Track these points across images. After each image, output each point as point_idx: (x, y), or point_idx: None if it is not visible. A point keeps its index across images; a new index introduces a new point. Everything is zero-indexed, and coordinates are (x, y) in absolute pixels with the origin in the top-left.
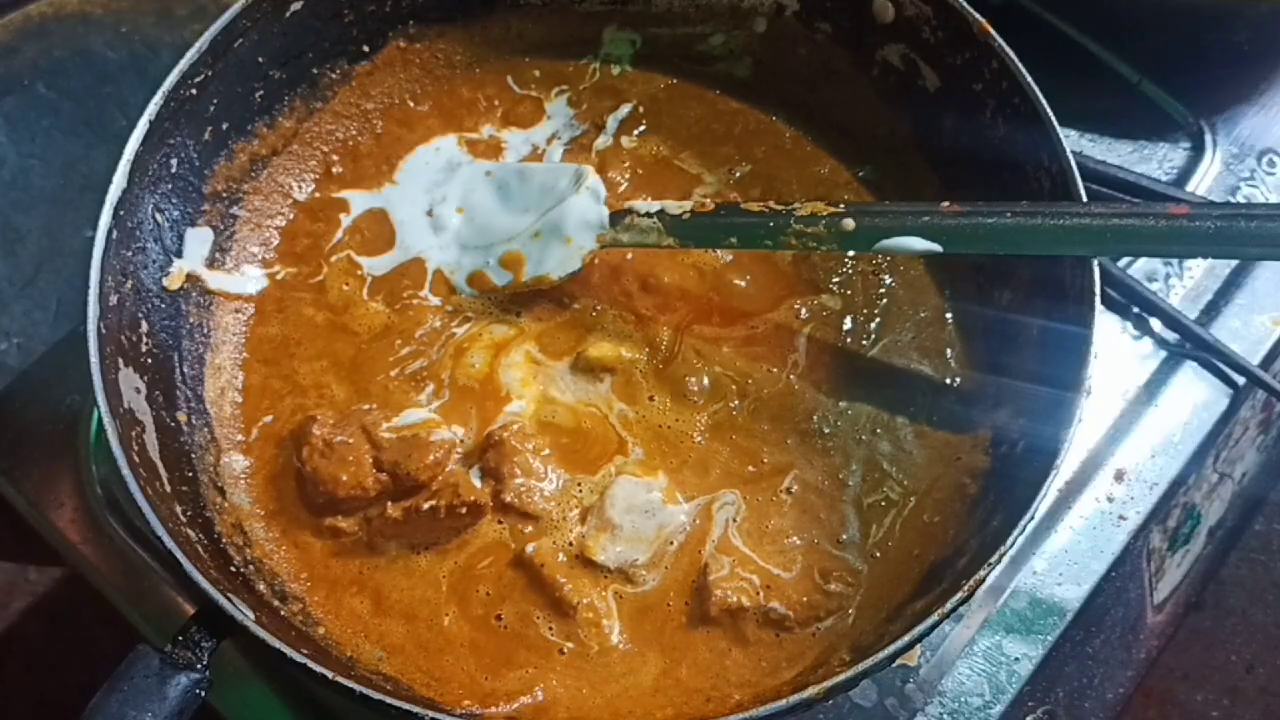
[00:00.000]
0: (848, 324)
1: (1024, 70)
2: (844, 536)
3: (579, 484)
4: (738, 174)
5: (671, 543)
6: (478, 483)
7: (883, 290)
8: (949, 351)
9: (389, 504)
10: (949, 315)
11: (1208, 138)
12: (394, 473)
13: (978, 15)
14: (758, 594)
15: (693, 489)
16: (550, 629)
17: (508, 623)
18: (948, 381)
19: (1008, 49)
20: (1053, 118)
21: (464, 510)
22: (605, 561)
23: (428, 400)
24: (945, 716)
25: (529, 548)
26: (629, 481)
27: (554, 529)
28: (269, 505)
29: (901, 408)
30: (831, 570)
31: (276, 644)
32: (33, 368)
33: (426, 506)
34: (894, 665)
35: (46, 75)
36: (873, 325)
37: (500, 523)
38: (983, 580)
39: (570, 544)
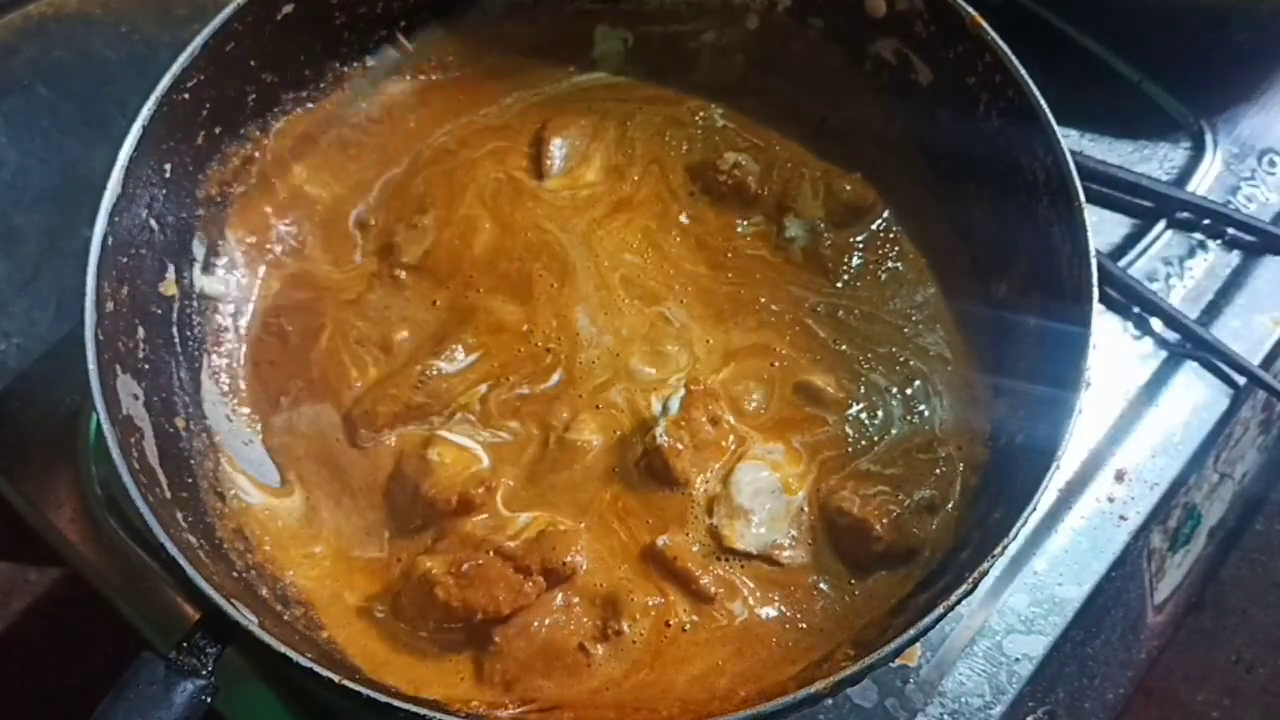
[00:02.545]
0: (854, 317)
1: (1017, 64)
2: None
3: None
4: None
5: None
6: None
7: (884, 278)
8: (946, 343)
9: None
10: (947, 307)
11: (1208, 137)
12: (548, 569)
13: (969, 9)
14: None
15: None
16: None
17: None
18: (947, 371)
19: (1000, 42)
20: (1047, 111)
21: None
22: (746, 548)
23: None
24: (945, 717)
25: (660, 540)
26: (749, 466)
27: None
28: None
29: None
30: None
31: (282, 649)
32: (32, 368)
33: (626, 629)
34: (894, 665)
35: (46, 75)
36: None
37: None
38: (985, 573)
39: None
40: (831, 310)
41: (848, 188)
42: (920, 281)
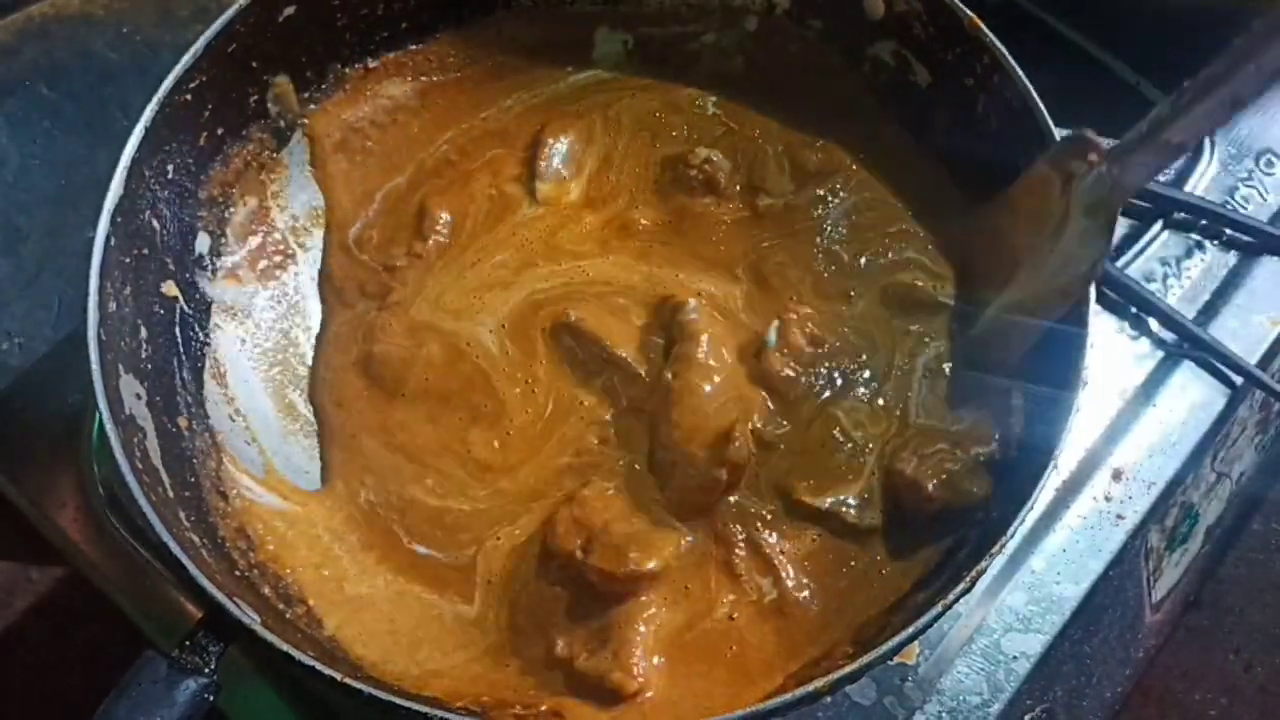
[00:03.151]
0: None
1: (1015, 64)
2: None
3: None
4: None
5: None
6: None
7: None
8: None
9: None
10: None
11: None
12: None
13: (967, 10)
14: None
15: None
16: None
17: None
18: (944, 369)
19: (998, 43)
20: (1044, 112)
21: None
22: (818, 504)
23: None
24: (944, 715)
25: None
26: None
27: None
28: None
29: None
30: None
31: (284, 647)
32: (34, 368)
33: None
34: (893, 663)
35: (48, 76)
36: None
37: None
38: (983, 571)
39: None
40: None
41: (815, 156)
42: None
